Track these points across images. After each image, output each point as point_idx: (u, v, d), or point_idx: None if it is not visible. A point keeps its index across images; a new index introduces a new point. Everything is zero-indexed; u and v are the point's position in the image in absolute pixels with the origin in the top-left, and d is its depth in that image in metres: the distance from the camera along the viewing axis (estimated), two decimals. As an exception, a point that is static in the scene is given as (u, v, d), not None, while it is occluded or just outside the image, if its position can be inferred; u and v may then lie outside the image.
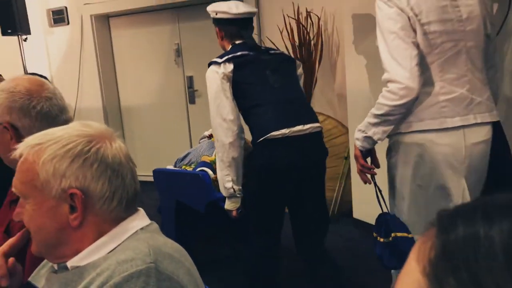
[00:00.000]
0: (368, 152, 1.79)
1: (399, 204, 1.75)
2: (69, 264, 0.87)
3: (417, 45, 1.56)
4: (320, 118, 3.63)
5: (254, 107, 2.07)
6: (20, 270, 0.94)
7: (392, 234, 1.68)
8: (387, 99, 1.59)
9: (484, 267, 0.35)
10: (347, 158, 3.58)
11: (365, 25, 3.01)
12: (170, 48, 5.01)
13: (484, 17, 1.64)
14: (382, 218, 1.76)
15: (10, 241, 0.94)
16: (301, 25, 3.67)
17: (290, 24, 3.74)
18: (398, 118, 1.63)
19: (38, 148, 0.86)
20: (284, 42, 3.75)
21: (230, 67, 2.05)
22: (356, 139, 1.75)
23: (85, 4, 5.03)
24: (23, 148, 0.87)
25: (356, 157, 1.79)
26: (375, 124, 1.67)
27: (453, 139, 1.61)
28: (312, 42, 3.69)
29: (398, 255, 1.68)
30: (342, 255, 2.88)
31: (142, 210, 0.94)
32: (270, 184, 2.07)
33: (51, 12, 5.24)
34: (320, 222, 2.24)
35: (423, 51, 1.57)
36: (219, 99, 2.04)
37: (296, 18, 3.70)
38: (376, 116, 1.65)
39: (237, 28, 2.16)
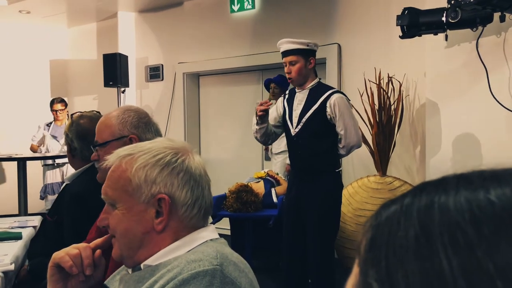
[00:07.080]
0: None
1: None
2: (142, 263, 0.93)
3: None
4: (397, 183, 3.54)
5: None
6: (104, 264, 1.00)
7: None
8: None
9: (396, 259, 0.31)
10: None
11: (448, 94, 2.97)
12: (252, 106, 5.23)
13: None
14: None
15: (96, 241, 1.01)
16: (381, 90, 3.68)
17: (370, 88, 3.77)
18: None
19: (130, 158, 0.94)
20: (364, 105, 3.78)
21: None
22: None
23: (179, 63, 5.49)
24: (114, 158, 0.96)
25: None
26: None
27: None
28: (392, 107, 3.68)
29: None
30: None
31: (213, 225, 1.00)
32: None
33: (148, 69, 5.76)
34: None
35: None
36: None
37: (377, 82, 3.73)
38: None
39: None
